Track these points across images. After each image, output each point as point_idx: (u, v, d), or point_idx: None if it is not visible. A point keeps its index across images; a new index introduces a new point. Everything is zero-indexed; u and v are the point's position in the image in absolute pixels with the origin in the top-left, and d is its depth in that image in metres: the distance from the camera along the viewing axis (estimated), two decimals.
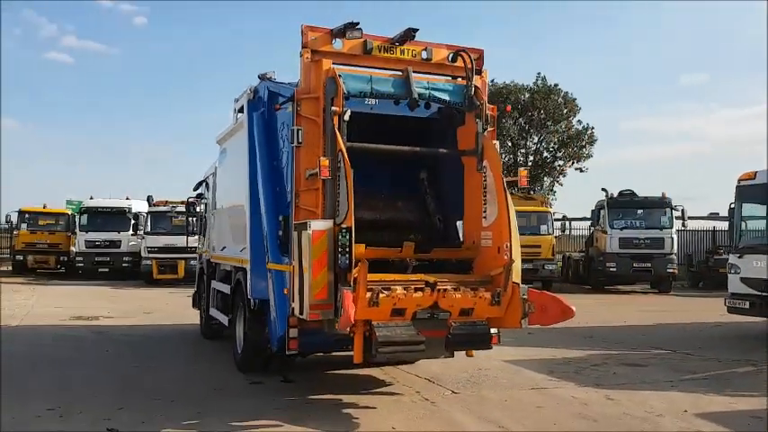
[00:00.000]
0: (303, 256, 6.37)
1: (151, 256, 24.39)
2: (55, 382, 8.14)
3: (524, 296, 6.60)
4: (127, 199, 28.10)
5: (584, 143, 36.57)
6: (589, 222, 26.47)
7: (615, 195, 23.57)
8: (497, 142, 7.59)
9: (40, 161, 72.32)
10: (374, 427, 6.26)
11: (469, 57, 7.32)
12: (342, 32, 6.89)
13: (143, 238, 25.02)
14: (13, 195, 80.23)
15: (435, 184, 8.31)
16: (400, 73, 7.11)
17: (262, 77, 8.36)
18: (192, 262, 25.04)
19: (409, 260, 7.14)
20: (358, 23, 6.88)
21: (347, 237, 6.19)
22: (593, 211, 24.76)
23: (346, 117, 6.65)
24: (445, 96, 7.26)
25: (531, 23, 65.76)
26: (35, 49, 71.22)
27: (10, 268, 29.01)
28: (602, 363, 9.69)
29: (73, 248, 28.09)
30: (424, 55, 7.39)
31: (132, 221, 26.90)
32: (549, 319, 6.69)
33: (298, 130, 6.77)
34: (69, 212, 29.94)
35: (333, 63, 7.01)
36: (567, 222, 27.37)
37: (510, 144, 37.26)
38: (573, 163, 37.07)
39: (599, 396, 7.59)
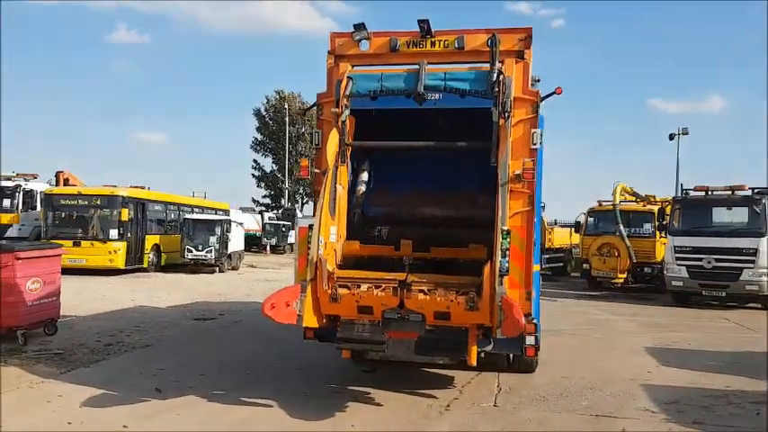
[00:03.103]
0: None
1: None
2: (205, 350, 9.88)
3: (499, 303, 5.87)
4: None
5: None
6: None
7: None
8: (539, 131, 6.77)
9: None
10: (339, 423, 6.33)
11: (494, 38, 6.74)
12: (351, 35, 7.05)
13: None
14: None
15: None
16: (417, 67, 6.92)
17: None
18: None
19: (405, 259, 6.89)
20: (362, 24, 6.95)
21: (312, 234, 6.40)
22: None
23: (343, 117, 6.82)
24: (464, 86, 6.81)
25: None
26: None
27: None
28: None
29: None
30: (457, 44, 7.03)
31: None
32: (507, 331, 5.82)
33: (316, 132, 7.15)
34: None
35: (357, 65, 7.22)
36: None
37: None
38: None
39: None
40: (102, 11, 78.07)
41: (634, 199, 24.39)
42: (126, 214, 22.10)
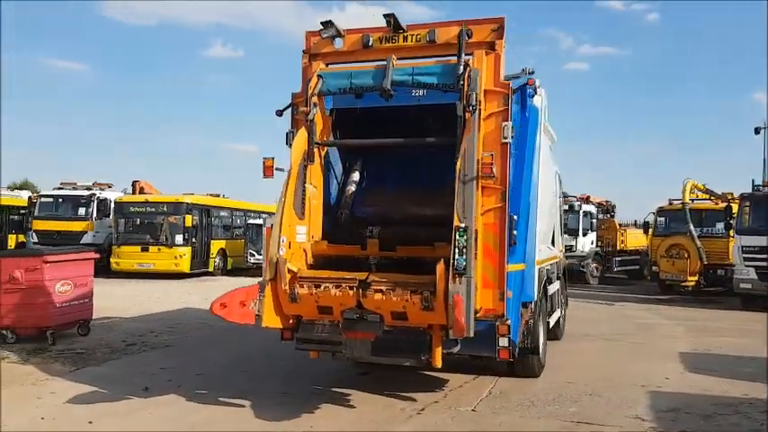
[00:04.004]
0: None
1: None
2: (220, 349, 10.04)
3: (450, 302, 5.65)
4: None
5: None
6: None
7: None
8: (509, 124, 6.50)
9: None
10: (299, 424, 6.26)
11: (462, 30, 6.54)
12: (318, 33, 6.99)
13: None
14: None
15: None
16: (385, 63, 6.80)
17: None
18: (567, 260, 25.03)
19: (371, 258, 6.74)
20: (329, 21, 6.87)
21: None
22: None
23: (310, 116, 6.79)
24: (432, 80, 6.64)
25: None
26: (554, 62, 79.48)
27: None
28: None
29: None
30: (429, 37, 6.87)
31: None
32: (455, 331, 5.57)
33: (291, 132, 7.12)
34: None
35: (331, 63, 7.19)
36: None
37: None
38: None
39: None
40: (198, 28, 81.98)
41: (708, 197, 23.11)
42: (190, 220, 22.90)
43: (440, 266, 5.77)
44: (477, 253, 6.42)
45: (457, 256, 5.79)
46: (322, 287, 6.20)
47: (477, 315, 6.38)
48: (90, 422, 6.22)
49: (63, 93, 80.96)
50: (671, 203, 23.19)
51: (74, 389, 7.44)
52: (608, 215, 29.27)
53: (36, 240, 23.80)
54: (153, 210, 23.31)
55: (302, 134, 6.78)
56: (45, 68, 77.30)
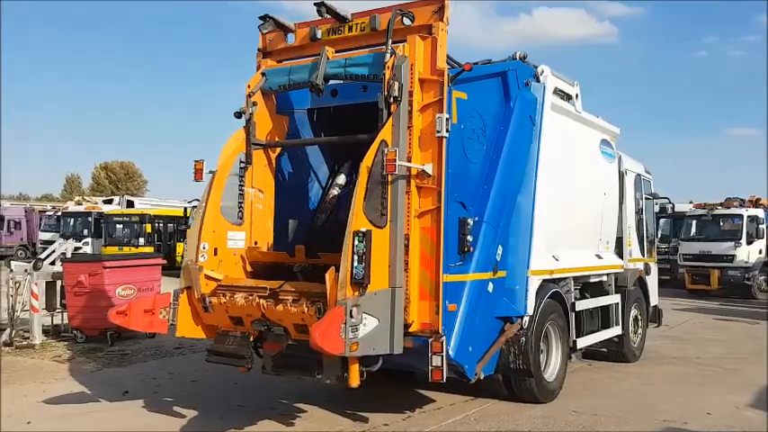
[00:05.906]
0: None
1: (685, 264, 22.51)
2: None
3: None
4: None
5: None
6: None
7: None
8: (443, 116, 5.70)
9: None
10: None
11: (392, 15, 5.95)
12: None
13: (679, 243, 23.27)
14: None
15: None
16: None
17: None
18: (729, 272, 22.13)
19: (296, 266, 6.18)
20: (266, 15, 6.51)
21: None
22: None
23: (246, 116, 6.50)
24: (363, 71, 6.08)
25: None
26: None
27: None
28: None
29: None
30: (371, 25, 6.29)
31: None
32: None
33: None
34: None
35: (284, 59, 6.89)
36: None
37: None
38: None
39: None
40: None
41: None
42: None
43: (329, 275, 5.19)
44: (411, 260, 5.73)
45: (355, 264, 5.19)
46: (231, 296, 5.86)
47: (410, 329, 5.70)
48: (28, 422, 6.37)
49: None
50: None
51: (65, 389, 7.74)
52: None
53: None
54: None
55: (237, 135, 6.49)
56: None
